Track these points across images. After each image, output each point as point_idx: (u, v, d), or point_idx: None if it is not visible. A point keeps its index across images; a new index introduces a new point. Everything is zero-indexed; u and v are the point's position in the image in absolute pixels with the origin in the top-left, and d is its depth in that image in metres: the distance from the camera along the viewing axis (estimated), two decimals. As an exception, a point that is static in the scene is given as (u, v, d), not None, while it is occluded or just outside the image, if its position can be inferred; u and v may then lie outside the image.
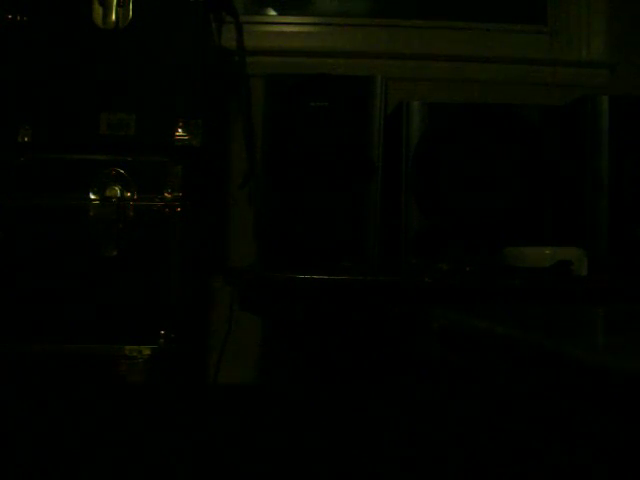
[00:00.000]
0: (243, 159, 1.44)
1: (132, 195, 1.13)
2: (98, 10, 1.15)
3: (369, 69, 1.51)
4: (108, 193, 1.13)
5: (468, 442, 0.59)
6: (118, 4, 1.15)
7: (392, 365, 1.24)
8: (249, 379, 1.51)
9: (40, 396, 1.09)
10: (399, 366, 1.22)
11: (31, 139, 1.13)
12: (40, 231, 1.12)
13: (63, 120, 1.15)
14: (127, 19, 1.15)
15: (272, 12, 1.70)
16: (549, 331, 0.56)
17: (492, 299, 1.00)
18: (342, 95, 1.15)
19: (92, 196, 1.13)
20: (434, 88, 1.56)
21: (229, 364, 1.42)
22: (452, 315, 0.60)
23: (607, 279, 1.07)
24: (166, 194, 1.13)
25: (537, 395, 0.44)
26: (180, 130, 1.14)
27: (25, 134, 1.13)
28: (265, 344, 1.53)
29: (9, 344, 1.11)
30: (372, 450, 1.01)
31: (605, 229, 1.14)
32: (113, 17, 1.15)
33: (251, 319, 1.41)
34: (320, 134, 1.15)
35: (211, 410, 1.24)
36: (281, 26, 1.65)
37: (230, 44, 1.44)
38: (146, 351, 1.10)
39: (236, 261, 1.52)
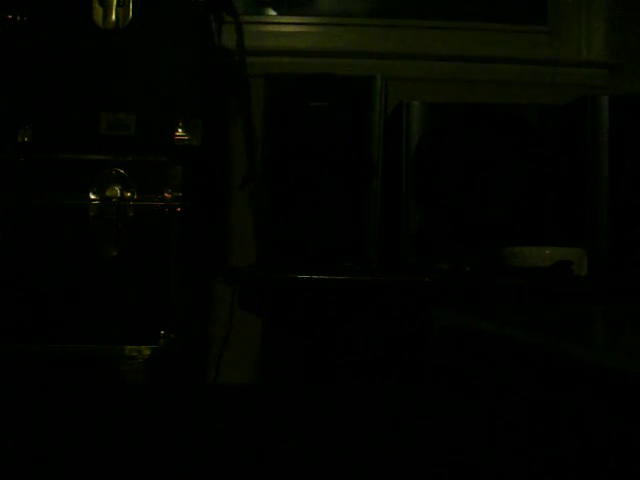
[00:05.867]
0: (243, 159, 1.44)
1: (132, 195, 1.13)
2: (98, 10, 1.15)
3: (369, 69, 1.51)
4: (108, 193, 1.13)
5: (469, 442, 0.59)
6: (118, 4, 1.15)
7: (392, 365, 1.24)
8: (249, 379, 1.51)
9: (40, 396, 1.09)
10: (399, 366, 1.22)
11: (31, 139, 1.13)
12: (40, 231, 1.12)
13: (63, 120, 1.15)
14: (127, 19, 1.15)
15: (272, 12, 1.70)
16: (549, 331, 0.56)
17: (492, 299, 1.00)
18: (342, 95, 1.15)
19: (92, 196, 1.13)
20: (434, 88, 1.56)
21: (229, 364, 1.42)
22: (452, 315, 0.60)
23: (607, 279, 1.07)
24: (166, 194, 1.13)
25: (537, 395, 0.44)
26: (180, 130, 1.14)
27: (25, 134, 1.13)
28: (265, 344, 1.53)
29: (9, 344, 1.11)
30: (372, 449, 1.01)
31: (605, 229, 1.14)
32: (113, 17, 1.15)
33: (251, 319, 1.41)
34: (320, 134, 1.15)
35: (211, 410, 1.24)
36: (281, 26, 1.65)
37: (230, 44, 1.44)
38: (146, 351, 1.10)
39: (236, 261, 1.52)
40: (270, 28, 1.64)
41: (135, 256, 1.13)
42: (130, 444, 1.08)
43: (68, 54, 1.15)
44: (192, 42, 1.17)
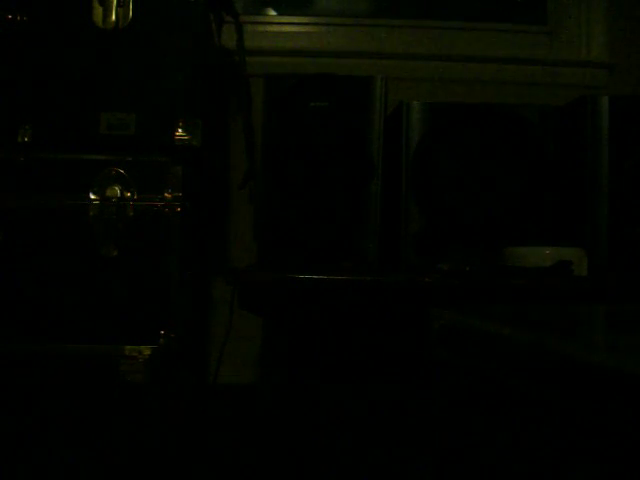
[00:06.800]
0: (243, 159, 1.44)
1: (132, 195, 1.13)
2: (98, 10, 1.15)
3: (369, 69, 1.51)
4: (108, 193, 1.13)
5: (468, 441, 0.59)
6: (118, 4, 1.15)
7: (392, 365, 1.24)
8: (249, 379, 1.51)
9: (40, 396, 1.09)
10: (399, 366, 1.22)
11: (31, 139, 1.13)
12: (40, 231, 1.12)
13: (63, 120, 1.15)
14: (127, 19, 1.15)
15: (272, 12, 1.70)
16: (549, 331, 0.56)
17: (492, 299, 1.00)
18: (342, 95, 1.15)
19: (92, 196, 1.13)
20: (434, 88, 1.56)
21: (229, 364, 1.42)
22: (452, 315, 0.60)
23: (607, 279, 1.07)
24: (166, 194, 1.13)
25: (537, 395, 0.44)
26: (180, 130, 1.14)
27: (25, 134, 1.13)
28: (265, 344, 1.53)
29: (9, 344, 1.11)
30: (372, 450, 1.01)
31: (605, 229, 1.14)
32: (113, 17, 1.15)
33: (251, 319, 1.41)
34: (320, 134, 1.15)
35: (211, 410, 1.24)
36: (281, 26, 1.65)
37: (230, 44, 1.44)
38: (146, 351, 1.10)
39: (236, 261, 1.52)
40: (270, 28, 1.64)
41: (135, 256, 1.12)
42: (130, 444, 1.08)
43: (68, 54, 1.15)
44: (192, 42, 1.17)
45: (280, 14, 1.69)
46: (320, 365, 1.28)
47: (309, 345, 1.31)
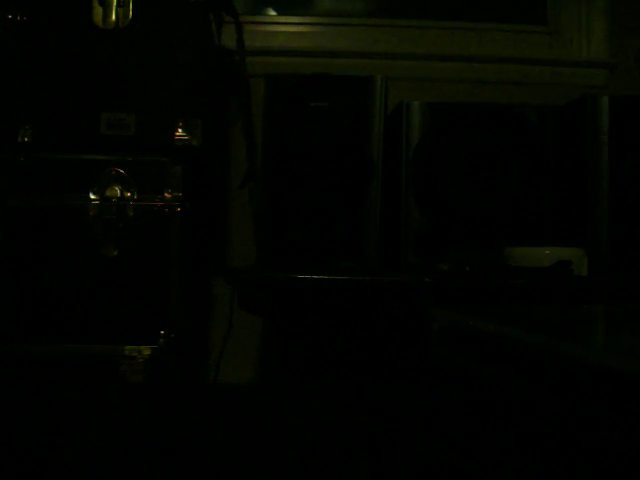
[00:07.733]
0: (243, 159, 1.44)
1: (132, 195, 1.13)
2: (98, 10, 1.15)
3: (369, 69, 1.51)
4: (108, 193, 1.13)
5: (469, 441, 0.59)
6: (118, 4, 1.15)
7: (392, 365, 1.24)
8: (249, 379, 1.51)
9: (40, 396, 1.09)
10: (399, 366, 1.22)
11: (31, 139, 1.13)
12: (40, 231, 1.12)
13: (63, 120, 1.15)
14: (127, 19, 1.15)
15: (272, 12, 1.70)
16: (549, 331, 0.56)
17: (492, 299, 1.00)
18: (342, 95, 1.15)
19: (92, 196, 1.13)
20: (434, 88, 1.56)
21: (229, 364, 1.42)
22: (452, 315, 0.60)
23: (607, 279, 1.07)
24: (166, 194, 1.13)
25: (537, 395, 0.44)
26: (180, 130, 1.14)
27: (25, 134, 1.13)
28: (265, 344, 1.53)
29: (9, 344, 1.11)
30: (372, 449, 1.01)
31: (605, 229, 1.14)
32: (113, 17, 1.15)
33: (251, 319, 1.41)
34: (320, 134, 1.15)
35: (211, 410, 1.24)
36: (281, 26, 1.65)
37: (230, 44, 1.44)
38: (146, 351, 1.10)
39: (236, 261, 1.52)
40: (270, 28, 1.64)
41: (135, 256, 1.12)
42: (130, 444, 1.08)
43: (68, 54, 1.15)
44: (192, 42, 1.17)
45: (280, 14, 1.69)
46: (320, 365, 1.28)
47: (309, 345, 1.31)
